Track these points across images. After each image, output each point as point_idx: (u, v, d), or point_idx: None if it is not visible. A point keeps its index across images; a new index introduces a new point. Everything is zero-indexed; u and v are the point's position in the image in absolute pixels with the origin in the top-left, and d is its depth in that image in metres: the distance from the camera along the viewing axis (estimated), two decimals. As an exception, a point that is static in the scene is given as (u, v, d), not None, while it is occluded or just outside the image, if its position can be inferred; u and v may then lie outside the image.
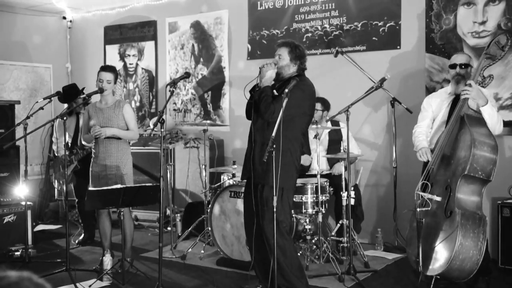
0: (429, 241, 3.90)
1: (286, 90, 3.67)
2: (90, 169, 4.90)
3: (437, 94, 4.54)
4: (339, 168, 5.33)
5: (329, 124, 5.54)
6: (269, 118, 3.85)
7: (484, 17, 5.14)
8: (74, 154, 5.65)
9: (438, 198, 3.89)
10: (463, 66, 4.23)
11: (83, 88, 5.97)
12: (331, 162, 5.53)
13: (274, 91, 3.97)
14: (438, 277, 3.86)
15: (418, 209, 3.91)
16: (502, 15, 5.08)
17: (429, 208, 3.89)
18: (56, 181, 6.12)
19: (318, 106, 5.47)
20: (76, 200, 5.93)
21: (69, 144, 5.80)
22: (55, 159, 6.18)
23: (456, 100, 4.20)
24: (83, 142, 5.12)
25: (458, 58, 4.29)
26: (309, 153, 5.43)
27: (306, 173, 5.43)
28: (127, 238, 4.85)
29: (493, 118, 3.96)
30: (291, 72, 4.03)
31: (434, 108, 4.40)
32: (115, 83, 4.87)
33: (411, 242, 4.18)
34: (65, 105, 6.40)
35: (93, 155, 4.91)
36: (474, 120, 3.97)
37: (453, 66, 4.28)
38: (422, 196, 3.95)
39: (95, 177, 4.83)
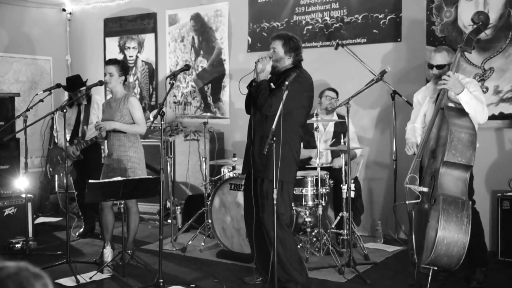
0: (420, 232, 3.95)
1: (286, 82, 3.67)
2: (104, 162, 4.98)
3: (423, 89, 4.54)
4: (339, 161, 5.33)
5: (334, 116, 5.55)
6: (267, 112, 3.85)
7: (486, 9, 5.12)
8: (75, 144, 5.65)
9: (425, 189, 3.94)
10: (438, 67, 4.22)
11: (86, 80, 5.95)
12: (333, 154, 5.54)
13: (271, 84, 3.96)
14: (435, 268, 3.88)
15: (406, 202, 3.97)
16: (504, 7, 5.06)
17: (419, 200, 3.93)
18: (55, 173, 6.11)
19: (332, 94, 5.51)
20: (76, 193, 5.94)
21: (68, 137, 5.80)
22: (52, 149, 6.19)
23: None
24: (87, 134, 5.16)
25: (435, 59, 4.24)
26: (315, 145, 5.44)
27: (306, 166, 5.43)
28: (131, 231, 4.87)
29: (471, 106, 3.92)
30: (286, 64, 4.03)
31: (423, 103, 4.43)
32: (120, 76, 4.82)
33: (409, 236, 4.22)
34: (65, 98, 6.39)
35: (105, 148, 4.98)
36: (454, 110, 4.01)
37: (430, 67, 4.28)
38: (409, 189, 4.00)
39: (105, 170, 4.88)
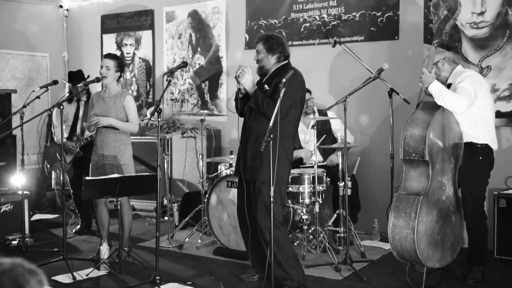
0: None
1: (284, 80, 3.67)
2: (91, 157, 4.91)
3: None
4: (333, 159, 5.34)
5: (330, 114, 5.55)
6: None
7: (483, 8, 5.13)
8: (74, 141, 5.63)
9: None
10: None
11: (88, 76, 5.94)
12: (326, 153, 5.52)
13: (265, 86, 3.97)
14: (430, 265, 3.92)
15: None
16: (501, 5, 5.06)
17: None
18: (53, 170, 6.10)
19: (308, 95, 5.45)
20: (72, 191, 5.93)
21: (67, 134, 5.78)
22: (50, 146, 6.16)
23: None
24: (86, 131, 5.12)
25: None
26: (300, 146, 5.45)
27: (300, 166, 5.42)
28: (125, 227, 4.85)
29: (439, 99, 3.96)
30: (272, 63, 4.05)
31: None
32: (117, 71, 4.80)
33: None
34: (62, 94, 6.38)
35: (94, 145, 4.91)
36: (427, 105, 4.10)
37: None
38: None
39: (94, 166, 4.82)
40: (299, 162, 5.40)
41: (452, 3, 4.16)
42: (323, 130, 5.48)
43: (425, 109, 4.05)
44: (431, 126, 3.90)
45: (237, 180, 4.87)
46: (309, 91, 5.48)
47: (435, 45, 4.19)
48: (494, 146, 4.22)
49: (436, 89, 3.98)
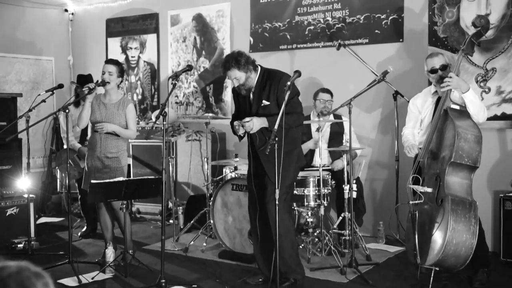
0: (424, 232, 3.95)
1: (288, 83, 3.69)
2: (86, 162, 4.92)
3: (421, 94, 4.57)
4: (339, 164, 5.34)
5: (331, 117, 5.53)
6: (300, 124, 4.07)
7: (488, 10, 5.12)
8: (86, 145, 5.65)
9: (429, 189, 3.94)
10: (442, 68, 4.27)
11: (97, 81, 5.97)
12: (333, 155, 5.52)
13: (263, 101, 4.01)
14: (437, 269, 3.88)
15: (411, 202, 3.98)
16: (506, 7, 5.05)
17: (422, 201, 3.93)
18: (63, 174, 6.11)
19: (329, 96, 5.48)
20: (80, 196, 5.94)
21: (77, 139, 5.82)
22: (61, 151, 6.17)
23: (439, 100, 4.25)
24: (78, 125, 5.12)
25: (435, 62, 4.30)
26: (309, 137, 5.47)
27: (305, 168, 5.42)
28: (126, 230, 4.86)
29: (475, 105, 4.02)
30: (254, 77, 4.06)
31: (420, 108, 4.46)
32: (119, 76, 4.82)
33: (409, 237, 4.22)
34: (68, 98, 6.40)
35: (87, 149, 4.92)
36: (457, 112, 4.06)
37: (434, 71, 4.28)
38: (413, 190, 4.01)
39: (91, 170, 4.83)
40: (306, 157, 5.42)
41: (485, 22, 4.23)
42: (337, 133, 5.49)
43: (458, 116, 3.99)
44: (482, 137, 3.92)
45: (242, 183, 4.91)
46: (330, 92, 5.51)
47: (464, 54, 4.21)
48: None
49: (472, 95, 3.99)
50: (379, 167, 5.85)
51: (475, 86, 4.52)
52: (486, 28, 4.28)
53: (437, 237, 3.85)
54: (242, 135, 4.13)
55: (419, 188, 3.95)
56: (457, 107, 4.11)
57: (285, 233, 3.95)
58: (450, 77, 4.02)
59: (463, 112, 4.04)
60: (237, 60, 3.96)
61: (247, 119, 3.94)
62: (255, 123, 3.94)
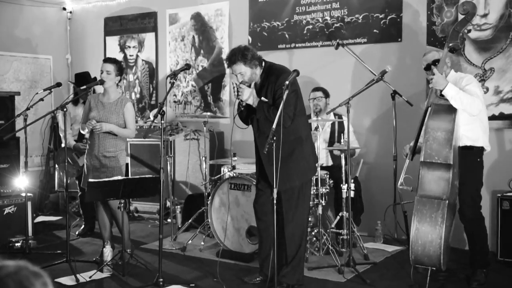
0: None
1: (287, 82, 3.68)
2: (84, 160, 4.91)
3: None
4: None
5: (331, 116, 5.54)
6: (290, 123, 3.87)
7: (486, 10, 5.12)
8: (84, 143, 5.64)
9: (409, 188, 3.96)
10: (436, 63, 4.17)
11: (95, 78, 5.95)
12: (333, 155, 5.52)
13: (263, 98, 3.94)
14: (434, 268, 3.89)
15: (402, 202, 4.01)
16: (505, 7, 5.06)
17: (412, 201, 3.96)
18: (61, 172, 6.11)
19: (319, 94, 5.48)
20: (79, 193, 5.94)
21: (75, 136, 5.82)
22: (60, 150, 6.17)
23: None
24: (81, 130, 5.13)
25: (428, 57, 4.25)
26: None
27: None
28: (124, 228, 4.86)
29: (457, 101, 3.86)
30: (259, 73, 4.01)
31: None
32: (117, 75, 4.81)
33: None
34: (66, 97, 6.39)
35: (87, 147, 4.91)
36: (440, 107, 3.95)
37: (427, 68, 4.20)
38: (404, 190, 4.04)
39: (89, 169, 4.82)
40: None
41: (470, 7, 4.09)
42: (338, 132, 5.49)
43: (440, 112, 3.92)
44: (454, 129, 3.84)
45: (240, 182, 4.91)
46: (322, 90, 5.50)
47: (450, 47, 4.10)
48: (488, 148, 4.21)
49: (452, 91, 3.88)
50: (377, 167, 5.85)
51: (470, 78, 4.42)
52: (472, 14, 4.13)
53: (410, 237, 3.91)
54: (242, 107, 4.03)
55: (404, 188, 4.00)
56: (443, 102, 4.00)
57: (299, 236, 3.99)
58: (433, 74, 3.94)
59: (448, 108, 3.92)
60: (243, 54, 3.87)
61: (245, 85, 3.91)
62: (246, 91, 3.88)
